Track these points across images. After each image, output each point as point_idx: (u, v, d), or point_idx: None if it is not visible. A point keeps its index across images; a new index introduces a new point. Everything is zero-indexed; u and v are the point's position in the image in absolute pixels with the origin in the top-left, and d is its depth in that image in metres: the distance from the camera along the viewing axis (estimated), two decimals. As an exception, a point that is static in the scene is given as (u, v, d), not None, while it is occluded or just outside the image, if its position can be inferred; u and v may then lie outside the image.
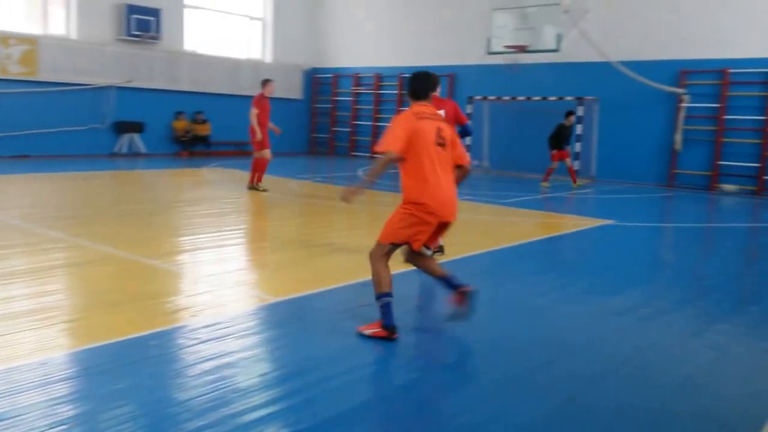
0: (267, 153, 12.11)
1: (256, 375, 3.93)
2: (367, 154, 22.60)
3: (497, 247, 7.98)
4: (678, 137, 16.08)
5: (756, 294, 6.49)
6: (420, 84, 4.72)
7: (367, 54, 22.50)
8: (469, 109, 18.33)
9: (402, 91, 21.36)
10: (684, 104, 15.92)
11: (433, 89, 4.83)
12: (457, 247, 7.96)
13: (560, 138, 14.78)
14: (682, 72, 16.14)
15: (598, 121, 16.81)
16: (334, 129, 23.84)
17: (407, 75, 22.58)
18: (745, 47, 15.30)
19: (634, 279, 6.83)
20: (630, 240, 9.37)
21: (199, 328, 4.65)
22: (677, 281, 6.96)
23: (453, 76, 20.27)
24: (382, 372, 4.07)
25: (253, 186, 12.17)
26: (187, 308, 5.24)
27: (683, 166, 16.21)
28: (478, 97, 18.34)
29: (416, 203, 4.51)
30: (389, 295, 4.55)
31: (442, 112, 6.56)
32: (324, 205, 11.65)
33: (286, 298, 5.51)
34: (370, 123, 22.61)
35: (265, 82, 12.08)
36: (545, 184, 15.13)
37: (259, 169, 12.18)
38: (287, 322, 5.01)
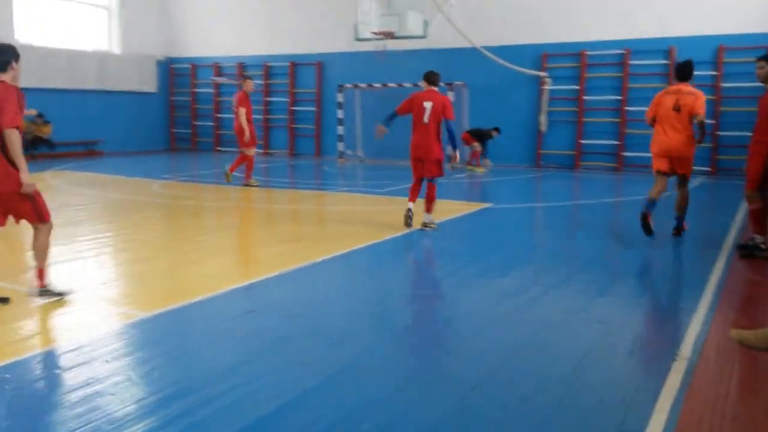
0: (253, 150, 12.30)
1: (132, 401, 3.33)
2: (234, 149, 21.52)
3: (382, 239, 7.61)
4: (543, 119, 16.58)
5: (629, 265, 6.56)
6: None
7: (228, 42, 21.38)
8: (340, 97, 17.91)
9: (269, 80, 20.54)
10: (547, 87, 16.42)
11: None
12: (341, 241, 7.53)
13: (480, 136, 15.86)
14: (544, 55, 16.64)
15: (468, 105, 16.96)
16: (196, 123, 22.55)
17: (273, 64, 22.02)
18: (600, 30, 16.01)
19: (519, 260, 6.77)
20: (510, 222, 9.37)
21: (60, 354, 4.01)
22: (558, 259, 6.94)
23: (320, 64, 19.76)
24: (273, 385, 3.51)
25: (248, 183, 12.23)
26: (43, 332, 4.51)
27: (549, 146, 16.75)
28: (349, 85, 17.94)
29: None
30: None
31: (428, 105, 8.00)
32: (192, 206, 10.78)
33: (160, 311, 4.80)
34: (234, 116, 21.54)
35: (245, 79, 12.56)
36: (480, 169, 15.77)
37: (248, 166, 12.30)
38: (162, 338, 4.34)
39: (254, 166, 12.51)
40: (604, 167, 16.14)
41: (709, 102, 15.00)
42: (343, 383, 3.60)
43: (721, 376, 3.71)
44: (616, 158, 16.14)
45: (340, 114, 18.10)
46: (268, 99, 20.83)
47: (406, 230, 7.95)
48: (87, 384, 3.50)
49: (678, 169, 7.65)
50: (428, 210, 8.15)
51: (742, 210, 9.92)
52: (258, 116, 20.68)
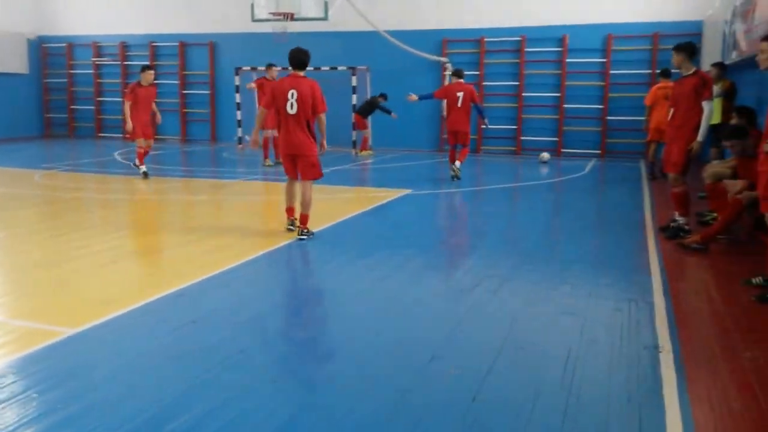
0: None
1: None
2: (118, 135, 20.10)
3: (314, 230, 7.23)
4: (444, 104, 16.64)
5: (570, 251, 6.59)
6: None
7: (109, 20, 19.77)
8: (237, 81, 17.06)
9: (155, 62, 19.22)
10: (448, 72, 16.48)
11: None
12: (269, 236, 7.09)
13: (370, 110, 15.62)
14: (444, 41, 16.70)
15: (371, 90, 16.71)
16: (74, 107, 20.79)
17: (160, 44, 20.68)
18: (498, 17, 16.27)
19: (462, 249, 6.69)
20: (435, 208, 9.29)
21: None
22: (500, 246, 6.89)
23: (213, 44, 18.77)
24: (247, 412, 3.11)
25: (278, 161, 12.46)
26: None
27: (451, 131, 16.85)
28: (247, 68, 17.12)
29: None
30: None
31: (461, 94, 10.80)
32: (87, 199, 9.85)
33: (85, 327, 4.18)
34: (118, 99, 20.03)
35: (269, 67, 13.11)
36: (364, 152, 15.66)
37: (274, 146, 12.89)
38: (97, 361, 3.73)
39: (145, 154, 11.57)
40: (503, 151, 16.50)
41: (598, 88, 15.87)
42: (328, 402, 3.25)
43: (710, 366, 3.73)
44: (514, 142, 16.55)
45: (238, 98, 17.27)
46: (156, 82, 19.45)
47: (339, 220, 7.64)
48: (17, 426, 2.93)
49: None
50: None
51: (645, 190, 10.42)
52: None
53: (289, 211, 7.19)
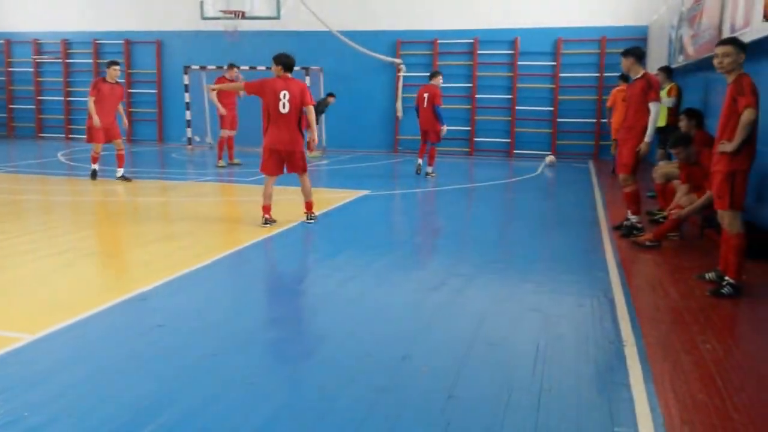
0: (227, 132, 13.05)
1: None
2: (61, 135, 19.49)
3: (274, 232, 7.18)
4: (399, 105, 16.74)
5: (530, 249, 6.73)
6: None
7: (50, 16, 19.15)
8: (185, 80, 16.74)
9: (98, 60, 18.70)
10: (401, 73, 16.59)
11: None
12: (228, 236, 7.00)
13: (317, 111, 14.90)
14: (398, 42, 16.78)
15: (324, 91, 16.64)
16: (13, 107, 20.05)
17: (103, 41, 20.17)
18: (451, 19, 16.44)
19: (425, 249, 6.73)
20: (395, 209, 9.34)
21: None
22: (462, 246, 6.97)
23: (159, 42, 18.38)
24: (222, 417, 3.07)
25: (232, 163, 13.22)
26: None
27: (405, 132, 16.96)
28: (195, 67, 16.81)
29: None
30: None
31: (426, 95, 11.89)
32: (34, 201, 9.51)
33: (46, 333, 4.04)
34: (60, 98, 19.46)
35: (230, 67, 13.09)
36: (316, 153, 15.31)
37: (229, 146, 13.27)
38: (62, 368, 3.61)
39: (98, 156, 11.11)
40: (457, 152, 16.68)
41: (548, 91, 16.21)
42: (305, 403, 3.24)
43: (673, 359, 3.85)
44: (468, 143, 16.75)
45: (187, 98, 16.94)
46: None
47: (301, 221, 7.60)
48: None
49: None
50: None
51: (596, 190, 10.70)
52: (85, 99, 18.89)
53: (266, 208, 7.41)
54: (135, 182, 10.87)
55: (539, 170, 13.66)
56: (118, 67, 10.73)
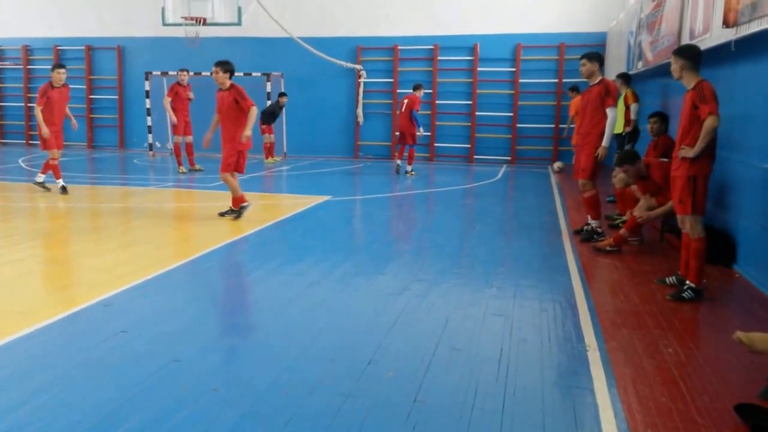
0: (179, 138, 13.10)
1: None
2: (21, 141, 18.98)
3: (235, 238, 7.07)
4: (359, 111, 16.71)
5: (491, 254, 6.71)
6: None
7: (10, 22, 18.68)
8: (147, 86, 16.42)
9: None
10: (362, 79, 16.58)
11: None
12: (189, 242, 6.86)
13: (273, 115, 15.07)
14: (358, 48, 16.76)
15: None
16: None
17: (65, 47, 19.72)
18: (411, 25, 16.49)
19: (387, 255, 6.68)
20: (356, 214, 9.27)
21: None
22: (424, 251, 6.94)
23: (120, 48, 18.03)
24: (194, 422, 2.97)
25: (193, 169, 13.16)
26: None
27: (366, 137, 16.95)
28: (157, 73, 16.52)
29: None
30: None
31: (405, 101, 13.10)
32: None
33: (3, 342, 3.90)
34: (21, 104, 18.95)
35: (181, 71, 13.21)
36: (272, 159, 15.33)
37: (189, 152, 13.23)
38: (24, 375, 3.47)
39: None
40: (418, 157, 16.69)
41: (508, 96, 16.38)
42: (271, 409, 3.15)
43: (635, 363, 3.88)
44: (428, 149, 16.80)
45: (148, 104, 16.62)
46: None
47: (261, 227, 7.49)
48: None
49: None
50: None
51: (556, 195, 10.82)
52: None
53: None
54: (94, 188, 10.56)
55: (499, 175, 13.76)
56: (63, 70, 10.24)
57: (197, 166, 13.30)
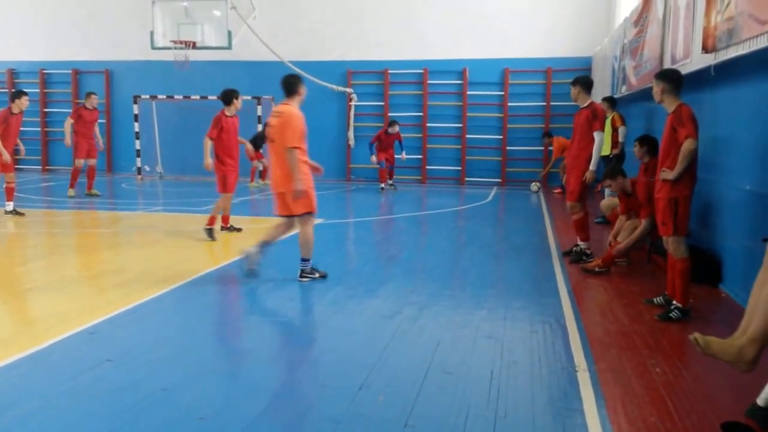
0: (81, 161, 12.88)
1: None
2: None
3: (223, 263, 7.09)
4: (350, 134, 16.83)
5: (482, 277, 6.78)
6: None
7: (-5, 45, 18.71)
8: (135, 109, 16.50)
9: (45, 89, 18.29)
10: (353, 102, 16.72)
11: None
12: (180, 267, 6.86)
13: (264, 139, 14.80)
14: (349, 72, 16.93)
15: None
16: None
17: (51, 71, 19.66)
18: (401, 50, 16.69)
19: (379, 278, 6.71)
20: (349, 237, 9.32)
21: None
22: (415, 274, 7.00)
23: (109, 72, 18.10)
24: None
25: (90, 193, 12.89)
26: None
27: (357, 160, 17.04)
28: (146, 96, 16.60)
29: None
30: None
31: None
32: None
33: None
34: (4, 128, 18.88)
35: (88, 95, 12.87)
36: (254, 184, 15.33)
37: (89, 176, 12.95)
38: (10, 403, 3.45)
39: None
40: (409, 180, 16.82)
41: (497, 119, 16.55)
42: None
43: (624, 383, 3.92)
44: (420, 171, 16.92)
45: (137, 127, 16.68)
46: (47, 110, 18.61)
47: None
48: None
49: None
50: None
51: (545, 217, 10.91)
52: (35, 129, 18.43)
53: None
54: (79, 212, 10.55)
55: (490, 197, 13.87)
56: (26, 98, 10.57)
57: (95, 191, 13.19)
